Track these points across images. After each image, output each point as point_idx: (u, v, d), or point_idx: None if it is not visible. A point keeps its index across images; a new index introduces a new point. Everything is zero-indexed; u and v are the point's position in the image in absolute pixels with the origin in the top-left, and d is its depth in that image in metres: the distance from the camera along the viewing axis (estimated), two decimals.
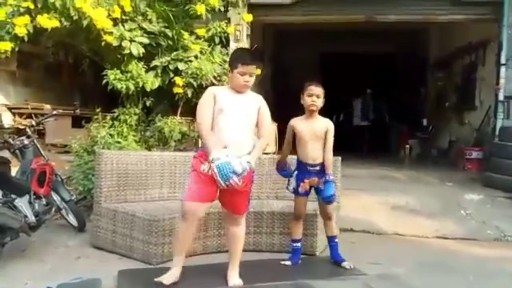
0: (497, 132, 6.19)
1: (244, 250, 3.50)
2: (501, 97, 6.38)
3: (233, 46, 6.06)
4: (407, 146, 9.54)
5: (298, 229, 3.34)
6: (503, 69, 6.37)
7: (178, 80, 4.67)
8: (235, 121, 2.71)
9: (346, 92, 12.93)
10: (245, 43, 6.19)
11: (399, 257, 3.68)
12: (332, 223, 3.35)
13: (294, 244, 3.32)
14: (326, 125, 3.24)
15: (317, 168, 3.20)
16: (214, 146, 2.63)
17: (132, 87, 4.59)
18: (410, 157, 9.25)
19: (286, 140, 3.33)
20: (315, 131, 3.20)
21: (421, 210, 4.97)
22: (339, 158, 4.13)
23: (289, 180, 3.32)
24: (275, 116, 8.38)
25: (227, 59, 5.18)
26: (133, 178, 3.65)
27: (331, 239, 3.34)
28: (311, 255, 3.51)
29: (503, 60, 6.37)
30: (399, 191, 5.69)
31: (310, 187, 3.25)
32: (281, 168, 3.38)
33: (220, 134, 2.70)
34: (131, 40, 4.64)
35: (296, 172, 3.28)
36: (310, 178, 3.21)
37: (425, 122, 9.75)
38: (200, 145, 2.98)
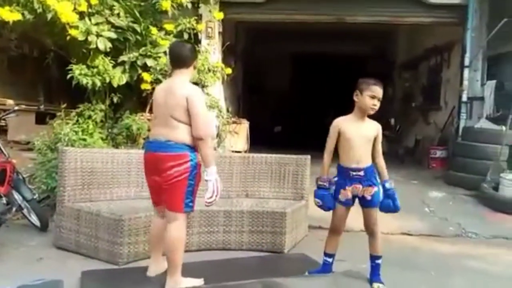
0: (460, 132, 6.43)
1: (213, 249, 3.54)
2: (464, 98, 6.64)
3: (204, 43, 6.02)
4: None
5: (333, 242, 2.97)
6: (466, 71, 6.63)
7: (146, 76, 4.59)
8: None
9: (317, 92, 13.16)
10: (216, 41, 6.16)
11: (365, 253, 3.71)
12: (376, 241, 2.97)
13: (325, 258, 2.97)
14: (376, 128, 2.92)
15: (361, 173, 2.80)
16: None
17: (98, 83, 4.47)
18: None
19: (330, 145, 2.86)
20: (366, 134, 2.84)
21: None
22: (309, 156, 4.19)
23: (328, 188, 2.88)
24: (247, 115, 8.44)
25: (199, 56, 5.18)
26: (99, 177, 3.56)
27: (372, 259, 2.98)
28: (280, 252, 3.53)
29: (466, 62, 6.63)
30: None
31: (353, 196, 2.85)
32: (323, 186, 2.86)
33: None
34: (98, 35, 4.52)
35: (335, 179, 2.86)
36: (353, 185, 2.80)
37: (392, 121, 9.99)
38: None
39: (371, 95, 2.81)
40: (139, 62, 4.64)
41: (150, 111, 4.98)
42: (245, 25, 8.90)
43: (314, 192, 2.87)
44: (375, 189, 2.84)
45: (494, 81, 6.22)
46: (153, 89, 4.54)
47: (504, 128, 5.57)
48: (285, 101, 13.09)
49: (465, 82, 6.59)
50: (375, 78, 2.88)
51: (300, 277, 2.87)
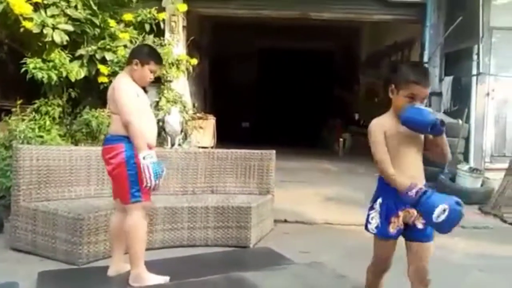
0: None
1: (177, 246, 3.50)
2: None
3: (168, 36, 5.91)
4: (341, 139, 9.96)
5: (377, 283, 2.30)
6: None
7: (103, 69, 4.45)
8: None
9: (285, 88, 13.27)
10: (180, 35, 6.06)
11: (329, 245, 3.83)
12: None
13: None
14: None
15: None
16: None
17: (54, 77, 4.29)
18: (344, 150, 9.68)
19: (383, 152, 2.05)
20: (417, 135, 2.08)
21: (350, 200, 5.21)
22: (274, 151, 4.21)
23: (369, 215, 2.14)
24: (214, 111, 8.39)
25: (161, 49, 5.07)
26: (56, 175, 3.42)
27: None
28: (245, 247, 3.53)
29: (425, 59, 6.86)
30: (332, 182, 5.95)
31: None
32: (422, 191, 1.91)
33: None
34: (54, 27, 4.33)
35: (379, 200, 2.09)
36: (406, 209, 2.04)
37: (357, 116, 10.23)
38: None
39: (409, 94, 2.00)
40: (97, 56, 4.49)
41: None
42: (211, 19, 8.83)
43: (426, 202, 1.89)
44: None
45: (451, 77, 6.47)
46: (111, 82, 4.44)
47: (460, 122, 5.82)
48: (253, 97, 13.12)
49: None
50: (418, 66, 2.24)
51: (265, 271, 2.89)
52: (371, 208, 2.14)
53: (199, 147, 5.64)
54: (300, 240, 3.96)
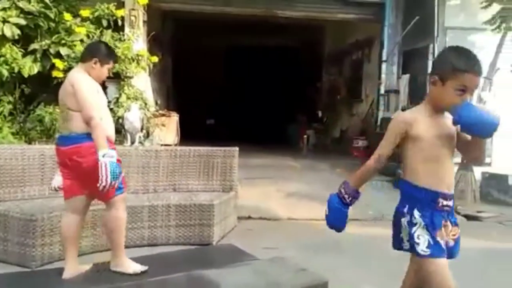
0: (378, 122, 6.88)
1: (138, 246, 3.42)
2: (382, 91, 7.11)
3: (127, 31, 5.76)
4: (305, 136, 10.11)
5: None
6: (384, 66, 7.10)
7: (59, 63, 4.27)
8: None
9: (251, 85, 13.29)
10: (141, 30, 5.92)
11: (292, 240, 3.89)
12: None
13: None
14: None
15: (451, 203, 1.79)
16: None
17: (6, 73, 4.08)
18: (308, 146, 9.84)
19: (386, 149, 1.85)
20: (452, 137, 1.79)
21: (313, 195, 5.29)
22: (237, 148, 4.21)
23: (412, 235, 1.74)
24: (178, 108, 8.25)
25: (121, 44, 4.93)
26: (8, 175, 3.26)
27: None
28: (207, 245, 3.51)
29: (384, 57, 7.10)
30: (295, 178, 6.02)
31: None
32: (343, 198, 2.00)
33: None
34: (5, 21, 4.12)
35: (417, 212, 1.75)
36: (445, 220, 1.78)
37: (320, 113, 10.41)
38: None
39: (461, 86, 1.67)
40: (52, 51, 4.31)
41: None
42: (174, 15, 8.68)
43: (328, 198, 2.00)
44: (458, 229, 1.82)
45: (408, 75, 6.72)
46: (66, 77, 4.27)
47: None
48: (218, 94, 13.05)
49: (383, 76, 7.06)
50: (467, 51, 1.73)
51: (227, 268, 2.88)
52: (410, 224, 1.73)
53: (161, 144, 5.54)
54: (263, 236, 3.98)
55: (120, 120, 4.30)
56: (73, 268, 2.69)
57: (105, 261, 2.91)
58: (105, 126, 2.61)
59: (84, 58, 2.75)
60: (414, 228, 1.75)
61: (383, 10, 7.07)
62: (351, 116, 9.21)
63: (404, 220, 1.79)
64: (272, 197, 5.21)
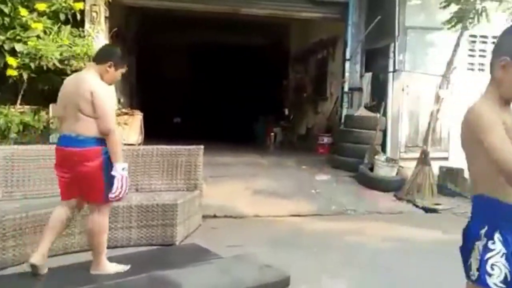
0: (342, 120, 7.02)
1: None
2: (346, 88, 7.25)
3: (88, 27, 5.58)
4: (272, 134, 10.18)
5: None
6: (347, 64, 7.24)
7: (12, 61, 4.08)
8: None
9: (219, 83, 13.23)
10: (102, 26, 5.75)
11: (257, 237, 3.91)
12: None
13: None
14: None
15: None
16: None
17: None
18: (275, 144, 9.91)
19: (503, 141, 1.31)
20: None
21: (279, 192, 5.36)
22: (202, 146, 4.18)
23: (484, 261, 1.37)
24: (143, 106, 8.07)
25: (80, 41, 4.77)
26: None
27: None
28: (170, 245, 3.47)
29: (348, 56, 7.23)
30: (262, 176, 6.05)
31: None
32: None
33: None
34: None
35: (498, 235, 1.37)
36: None
37: (286, 111, 10.51)
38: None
39: None
40: (6, 47, 4.10)
41: (25, 102, 4.48)
42: (138, 10, 8.49)
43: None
44: None
45: (370, 73, 6.89)
46: (20, 75, 4.09)
47: (378, 115, 6.23)
48: (185, 92, 12.89)
49: (347, 74, 7.20)
50: None
51: (190, 267, 2.87)
52: (486, 249, 1.35)
53: (124, 144, 5.42)
54: (228, 234, 3.99)
55: None
56: (42, 255, 2.64)
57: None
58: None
59: (99, 60, 2.73)
60: (489, 254, 1.34)
61: (346, 10, 7.19)
62: (316, 113, 9.35)
63: (479, 244, 1.38)
64: (239, 195, 5.21)
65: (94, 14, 5.77)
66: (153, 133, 6.79)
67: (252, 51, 12.57)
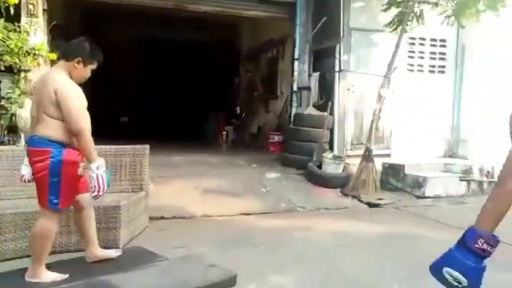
0: (292, 118, 7.14)
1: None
2: (295, 88, 7.38)
3: (24, 21, 5.25)
4: (224, 132, 10.15)
5: None
6: (296, 63, 7.36)
7: None
8: None
9: (168, 81, 12.96)
10: (40, 20, 5.43)
11: (206, 237, 3.87)
12: None
13: None
14: None
15: None
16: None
17: None
18: (226, 143, 9.89)
19: None
20: None
21: (229, 191, 5.35)
22: (147, 146, 4.06)
23: None
24: (87, 104, 7.69)
25: (15, 36, 4.47)
26: None
27: None
28: (115, 248, 3.33)
29: (296, 55, 7.36)
30: (212, 175, 6.01)
31: None
32: (484, 252, 1.27)
33: None
34: None
35: None
36: None
37: (238, 110, 10.52)
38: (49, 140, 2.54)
39: None
40: None
41: None
42: (80, 4, 8.10)
43: (451, 257, 1.28)
44: None
45: (318, 73, 7.05)
46: None
47: (325, 114, 6.39)
48: (133, 90, 12.50)
49: (295, 73, 7.33)
50: None
51: (132, 271, 2.77)
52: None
53: None
54: (176, 235, 3.92)
55: (14, 118, 3.90)
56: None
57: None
58: None
59: (66, 56, 2.62)
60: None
61: (294, 10, 7.30)
62: (267, 112, 9.44)
63: None
64: (188, 195, 5.14)
65: (31, 7, 5.44)
66: (99, 133, 6.48)
67: (203, 49, 12.45)
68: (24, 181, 2.74)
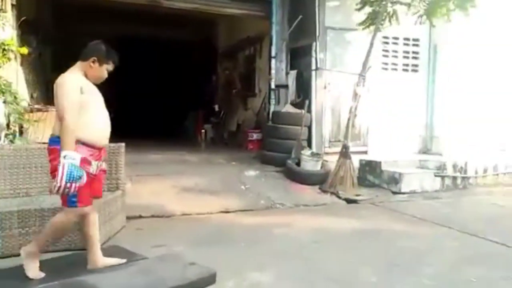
0: (270, 116, 7.16)
1: (8, 256, 3.05)
2: (272, 85, 7.41)
3: None
4: (203, 130, 10.09)
5: None
6: (273, 61, 7.39)
7: None
8: None
9: (148, 78, 12.76)
10: (8, 14, 5.25)
11: (184, 236, 3.84)
12: None
13: None
14: None
15: None
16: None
17: None
18: (205, 141, 9.83)
19: None
20: None
21: (208, 189, 5.33)
22: (123, 144, 3.99)
23: None
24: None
25: None
26: None
27: None
28: None
29: (273, 53, 7.39)
30: (191, 173, 5.97)
31: None
32: None
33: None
34: None
35: None
36: None
37: (217, 107, 10.47)
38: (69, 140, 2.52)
39: None
40: None
41: None
42: (52, 1, 7.88)
43: None
44: None
45: (295, 71, 7.09)
46: None
47: (303, 111, 6.44)
48: (113, 87, 12.23)
49: (273, 71, 7.36)
50: None
51: (109, 270, 2.72)
52: None
53: (40, 143, 5.01)
54: (154, 234, 3.86)
55: None
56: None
57: None
58: (86, 128, 2.58)
59: (83, 57, 2.71)
60: None
61: (270, 8, 7.33)
62: (246, 110, 9.44)
63: None
64: (166, 194, 5.08)
65: None
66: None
67: (181, 46, 12.32)
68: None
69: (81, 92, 2.58)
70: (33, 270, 2.65)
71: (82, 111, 2.57)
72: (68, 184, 2.42)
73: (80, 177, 2.47)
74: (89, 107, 2.64)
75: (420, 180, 5.94)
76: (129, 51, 12.33)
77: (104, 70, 2.76)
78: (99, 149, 2.74)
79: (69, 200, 2.57)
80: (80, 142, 2.57)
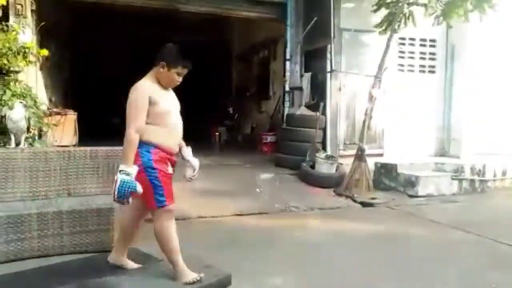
0: (284, 119, 7.15)
1: (26, 258, 3.12)
2: (287, 88, 7.40)
3: (12, 21, 5.19)
4: (217, 133, 10.13)
5: None
6: (288, 64, 7.39)
7: None
8: None
9: None
10: (29, 19, 5.37)
11: (200, 238, 3.86)
12: None
13: None
14: None
15: None
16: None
17: None
18: (220, 143, 9.86)
19: None
20: None
21: (223, 192, 5.34)
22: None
23: None
24: (79, 106, 7.67)
25: (2, 36, 4.41)
26: None
27: None
28: (107, 251, 3.31)
29: (288, 56, 7.38)
30: (206, 176, 5.96)
31: None
32: None
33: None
34: None
35: None
36: None
37: (231, 110, 10.50)
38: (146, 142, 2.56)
39: None
40: None
41: None
42: (70, 5, 8.02)
43: None
44: None
45: (310, 73, 7.07)
46: None
47: (318, 114, 6.41)
48: (125, 91, 12.37)
49: (287, 74, 7.35)
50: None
51: (128, 273, 2.75)
52: None
53: (58, 146, 5.11)
54: None
55: (3, 120, 3.84)
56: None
57: None
58: (165, 135, 2.60)
59: (155, 62, 2.68)
60: None
61: (285, 10, 7.33)
62: (260, 113, 9.44)
63: None
64: (182, 196, 5.03)
65: (19, 7, 5.39)
66: (91, 134, 6.47)
67: (196, 50, 12.37)
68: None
69: (151, 100, 2.56)
70: (187, 274, 2.67)
71: (158, 118, 2.57)
72: (120, 200, 2.45)
73: (129, 192, 2.44)
74: (162, 114, 2.60)
75: (437, 183, 5.84)
76: (143, 56, 12.55)
77: (173, 75, 2.65)
78: (172, 154, 2.73)
79: (156, 200, 2.58)
80: (158, 147, 2.57)
